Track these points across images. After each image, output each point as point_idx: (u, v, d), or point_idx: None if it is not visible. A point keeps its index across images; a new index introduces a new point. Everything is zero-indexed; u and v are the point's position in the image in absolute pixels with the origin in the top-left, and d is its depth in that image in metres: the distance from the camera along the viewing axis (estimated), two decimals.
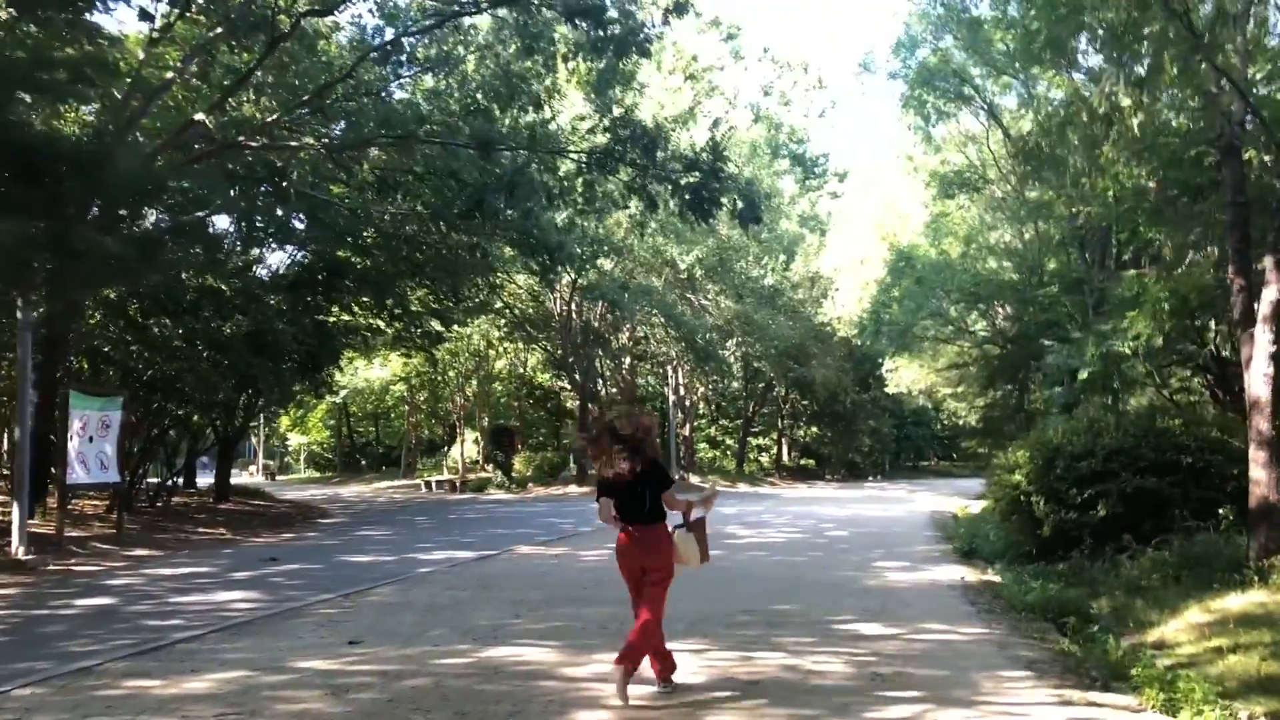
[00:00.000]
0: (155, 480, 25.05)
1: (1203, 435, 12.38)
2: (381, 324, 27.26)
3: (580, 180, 20.15)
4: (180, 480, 29.39)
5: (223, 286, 19.26)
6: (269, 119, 17.56)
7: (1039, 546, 13.10)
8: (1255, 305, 10.23)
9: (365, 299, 25.78)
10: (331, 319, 26.01)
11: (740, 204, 18.58)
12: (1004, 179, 20.66)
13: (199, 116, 15.77)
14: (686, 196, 18.11)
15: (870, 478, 57.58)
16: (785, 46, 65.21)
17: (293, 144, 17.59)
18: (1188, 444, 12.10)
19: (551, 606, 9.83)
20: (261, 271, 25.46)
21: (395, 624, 8.84)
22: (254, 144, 17.16)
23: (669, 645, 6.64)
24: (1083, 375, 13.01)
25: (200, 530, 19.16)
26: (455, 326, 35.56)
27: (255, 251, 24.69)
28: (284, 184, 18.96)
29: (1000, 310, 22.20)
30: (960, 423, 43.77)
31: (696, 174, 18.00)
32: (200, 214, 20.90)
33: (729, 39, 43.22)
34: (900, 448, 65.10)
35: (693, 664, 7.22)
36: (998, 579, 12.45)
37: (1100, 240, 16.06)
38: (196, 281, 19.47)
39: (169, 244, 15.07)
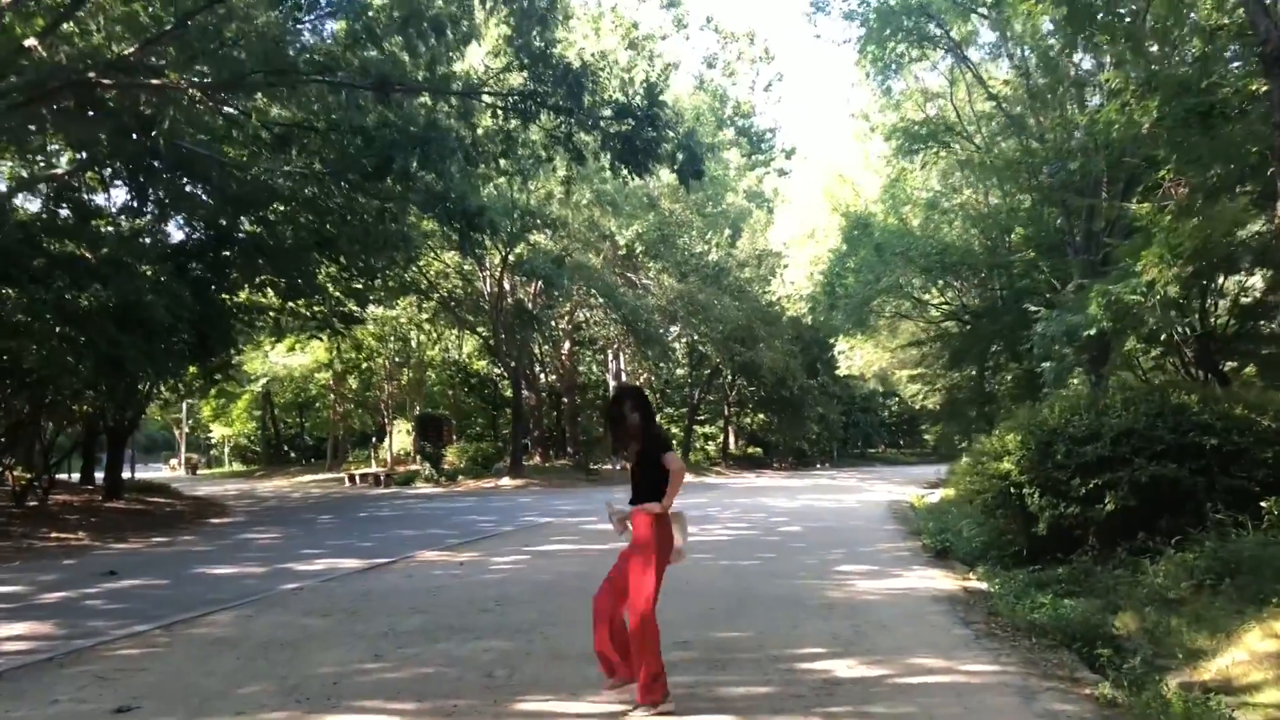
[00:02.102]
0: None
1: (1227, 413, 10.35)
2: (281, 301, 24.59)
3: (500, 133, 17.75)
4: (69, 475, 26.68)
5: (85, 253, 16.60)
6: (126, 52, 14.95)
7: (1031, 547, 11.06)
8: None
9: (265, 273, 23.11)
10: (226, 296, 23.32)
11: (680, 157, 16.28)
12: (969, 138, 18.59)
13: (30, 43, 13.15)
14: (618, 146, 15.80)
15: (818, 465, 55.97)
16: (730, 16, 62.76)
17: (154, 81, 14.97)
18: (1212, 423, 10.06)
19: (429, 640, 7.53)
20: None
21: (202, 674, 6.48)
22: (108, 81, 14.54)
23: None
24: (1056, 351, 10.91)
25: (55, 535, 16.51)
26: (374, 307, 33.05)
27: (141, 220, 21.98)
28: (154, 134, 16.34)
29: (964, 283, 20.15)
30: (917, 407, 41.94)
31: (630, 121, 15.69)
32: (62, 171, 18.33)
33: (670, 5, 41.06)
34: (848, 435, 63.55)
35: None
36: (984, 586, 10.40)
37: (1090, 193, 14.07)
38: (54, 247, 16.85)
39: None
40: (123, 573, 11.86)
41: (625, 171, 16.64)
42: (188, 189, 21.43)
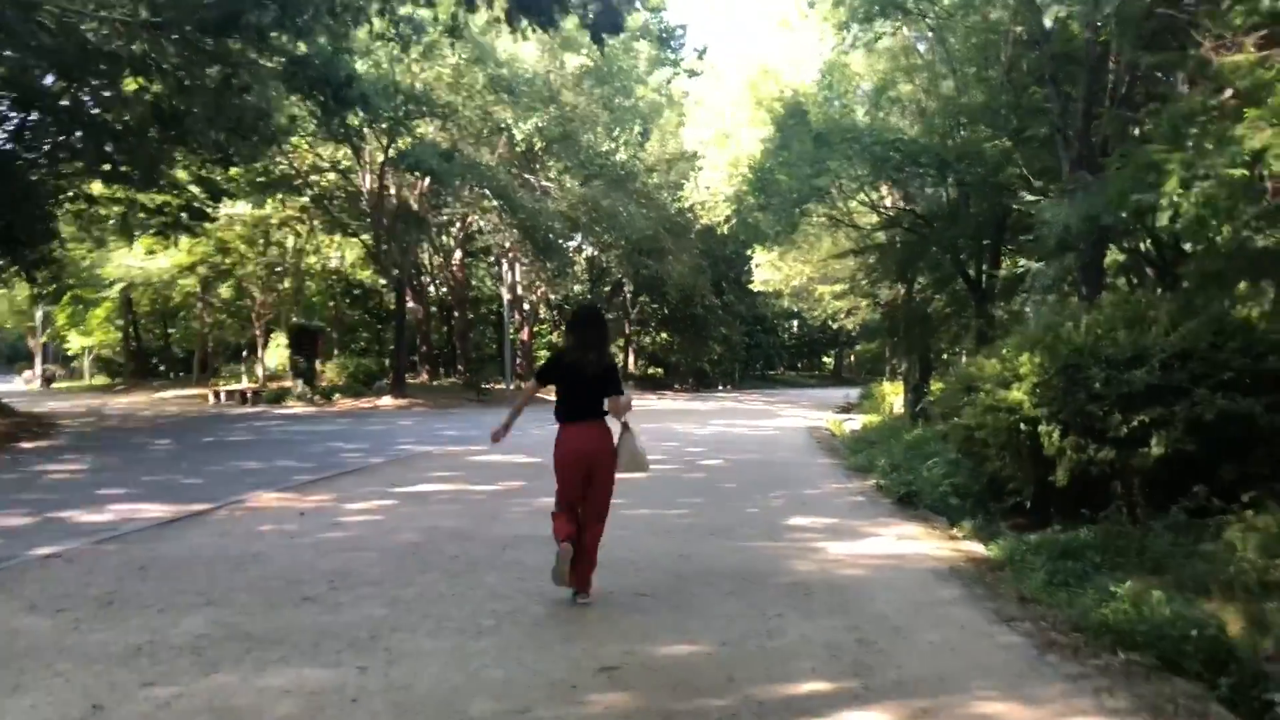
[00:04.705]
0: None
1: None
2: (115, 189, 20.83)
3: None
4: None
5: None
6: None
7: (1040, 500, 8.69)
8: None
9: (91, 154, 19.24)
10: (48, 180, 19.50)
11: (593, 8, 13.20)
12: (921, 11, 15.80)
13: None
14: None
15: (720, 387, 54.05)
16: None
17: None
18: None
19: (202, 666, 4.71)
20: None
21: None
22: None
23: None
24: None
25: None
26: (239, 204, 29.25)
27: None
28: None
29: (916, 181, 17.55)
30: (835, 326, 39.79)
31: None
32: None
33: None
34: (750, 356, 61.67)
35: None
36: (981, 548, 8.02)
37: (1097, 63, 11.58)
38: None
39: None
40: None
41: (525, 25, 13.52)
42: None
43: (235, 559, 7.21)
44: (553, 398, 6.03)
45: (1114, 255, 13.49)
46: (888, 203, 20.63)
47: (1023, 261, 11.84)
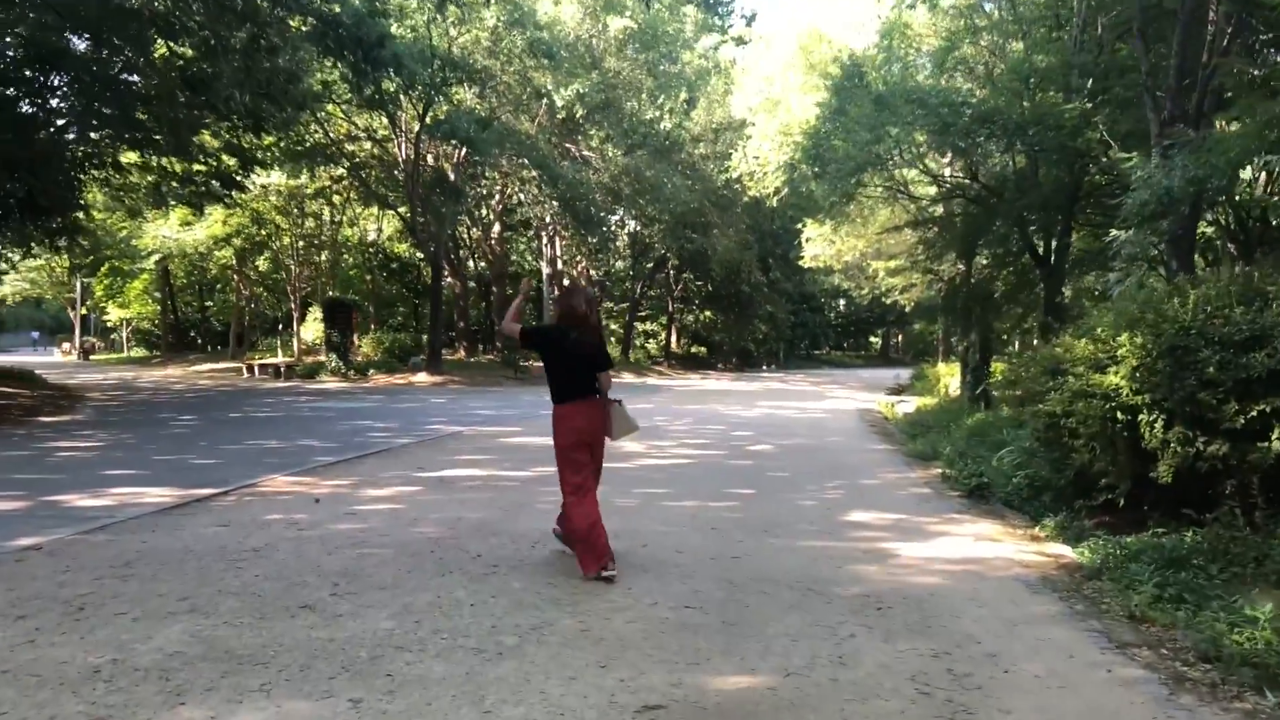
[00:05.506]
0: None
1: None
2: (144, 158, 20.19)
3: None
4: None
5: None
6: None
7: (1135, 498, 7.70)
8: None
9: (117, 120, 18.52)
10: (76, 148, 18.88)
11: None
12: None
13: None
14: None
15: (765, 367, 53.06)
16: None
17: None
18: None
19: (167, 695, 3.95)
20: None
21: None
22: None
23: None
24: None
25: None
26: (273, 174, 28.61)
27: None
28: None
29: (984, 147, 16.33)
30: (888, 303, 38.50)
31: None
32: None
33: None
34: (795, 335, 60.47)
35: None
36: (1069, 552, 7.12)
37: (1190, 15, 10.45)
38: None
39: None
40: None
41: None
42: None
43: (233, 555, 6.45)
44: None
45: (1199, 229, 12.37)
46: (947, 172, 19.47)
47: (1113, 231, 10.80)
